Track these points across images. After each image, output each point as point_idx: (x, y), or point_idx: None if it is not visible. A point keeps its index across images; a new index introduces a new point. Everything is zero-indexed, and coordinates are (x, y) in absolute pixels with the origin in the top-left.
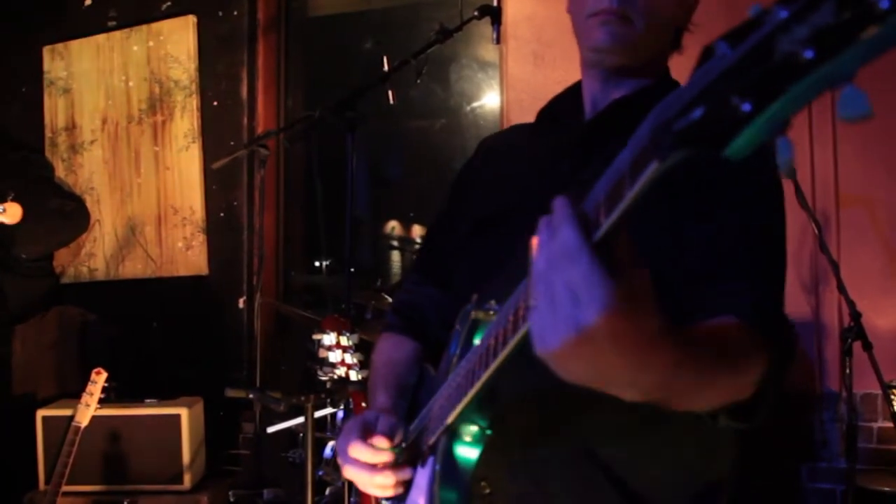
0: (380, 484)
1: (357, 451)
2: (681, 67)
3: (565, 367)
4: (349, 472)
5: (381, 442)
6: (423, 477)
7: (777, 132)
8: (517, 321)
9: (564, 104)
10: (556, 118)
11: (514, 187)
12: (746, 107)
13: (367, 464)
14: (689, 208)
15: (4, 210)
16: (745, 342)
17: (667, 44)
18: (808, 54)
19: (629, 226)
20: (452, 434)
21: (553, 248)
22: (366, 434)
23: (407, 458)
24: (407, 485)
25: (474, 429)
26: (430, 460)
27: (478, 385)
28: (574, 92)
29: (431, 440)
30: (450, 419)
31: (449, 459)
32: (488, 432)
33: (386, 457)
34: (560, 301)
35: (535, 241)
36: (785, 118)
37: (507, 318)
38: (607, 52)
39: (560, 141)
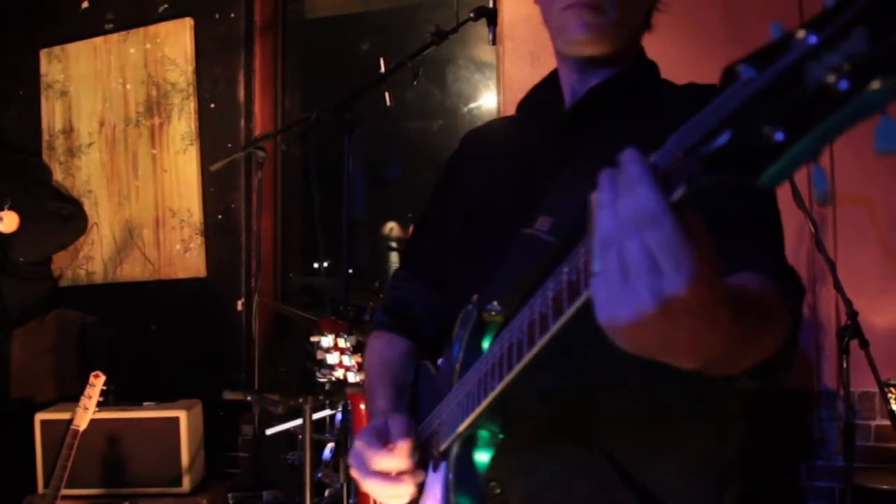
0: (404, 493)
1: (382, 461)
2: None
3: (634, 339)
4: (371, 486)
5: (403, 446)
6: (435, 482)
7: (809, 161)
8: (533, 332)
9: (544, 94)
10: (537, 108)
11: (501, 179)
12: (779, 136)
13: (391, 473)
14: None
15: (1, 219)
16: (775, 299)
17: (639, 26)
18: (843, 85)
19: None
20: (465, 441)
21: (626, 208)
22: (383, 442)
23: (420, 461)
24: (420, 488)
25: (486, 434)
26: (443, 466)
27: (491, 396)
28: (552, 81)
29: (443, 446)
30: (461, 427)
31: (462, 466)
32: (500, 436)
33: (409, 461)
34: (636, 268)
35: (595, 199)
36: (820, 147)
37: (521, 329)
38: (582, 43)
39: (542, 131)
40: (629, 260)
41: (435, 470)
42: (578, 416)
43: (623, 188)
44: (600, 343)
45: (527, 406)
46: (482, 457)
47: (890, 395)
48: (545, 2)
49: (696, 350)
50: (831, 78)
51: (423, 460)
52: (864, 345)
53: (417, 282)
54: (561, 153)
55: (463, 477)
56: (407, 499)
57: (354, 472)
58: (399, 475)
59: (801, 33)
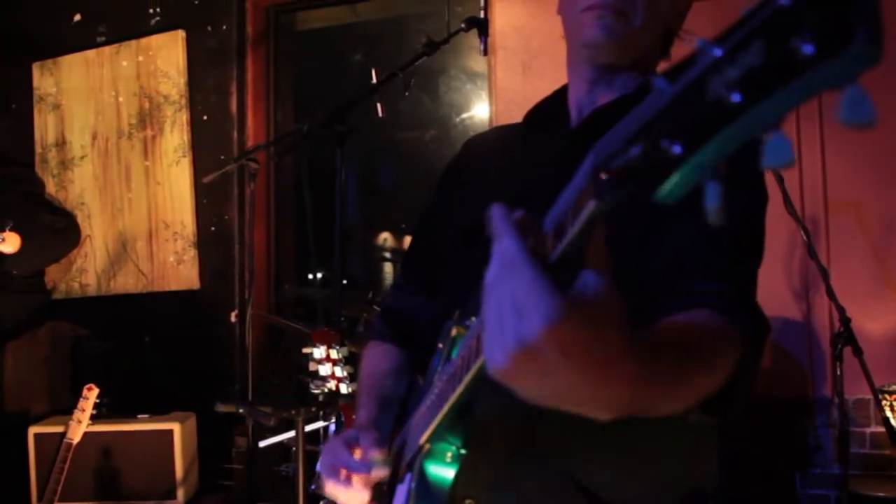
0: (359, 499)
1: (347, 463)
2: None
3: (517, 384)
4: (329, 487)
5: (368, 454)
6: (401, 494)
7: (708, 176)
8: (479, 342)
9: (551, 109)
10: (542, 122)
11: (499, 195)
12: (677, 149)
13: (350, 478)
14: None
15: (4, 239)
16: (717, 337)
17: (658, 45)
18: (736, 98)
19: (603, 236)
20: (428, 453)
21: (496, 259)
22: (349, 450)
23: (389, 472)
24: (385, 499)
25: (449, 448)
26: (408, 478)
27: (447, 406)
28: (560, 96)
29: (409, 457)
30: (423, 439)
31: (424, 478)
32: (463, 451)
33: (367, 468)
34: (506, 315)
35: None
36: (716, 162)
37: (472, 338)
38: (601, 47)
39: (545, 149)
40: (501, 307)
41: (402, 482)
42: (548, 435)
43: (496, 242)
44: None
45: (496, 424)
46: (446, 472)
47: (884, 401)
48: (567, 5)
49: (601, 400)
50: (726, 91)
51: (393, 473)
52: (858, 352)
53: (416, 290)
54: (561, 173)
55: (425, 489)
56: None
57: (322, 475)
58: (358, 481)
59: (708, 46)
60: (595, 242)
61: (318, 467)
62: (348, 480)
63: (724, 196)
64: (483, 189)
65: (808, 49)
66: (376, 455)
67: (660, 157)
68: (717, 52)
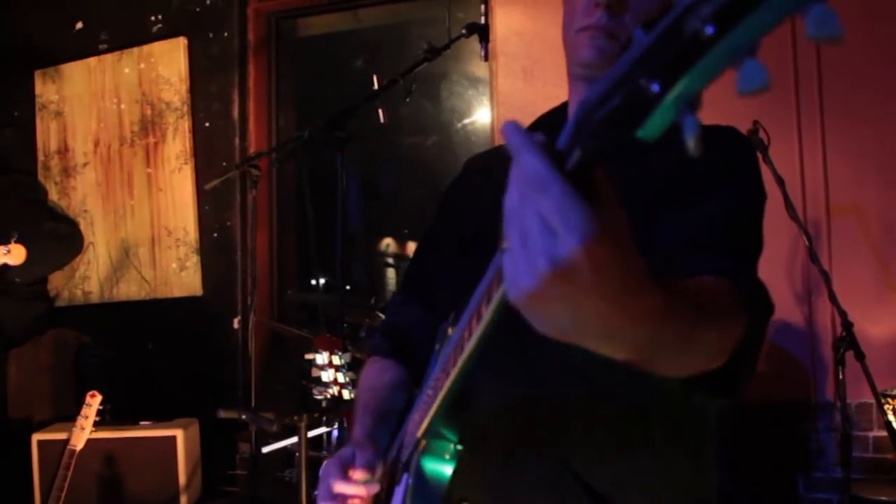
0: None
1: (339, 487)
2: None
3: (542, 311)
4: None
5: (360, 474)
6: (398, 495)
7: (686, 110)
8: (473, 326)
9: (550, 123)
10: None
11: (500, 208)
12: (655, 87)
13: (348, 498)
14: (667, 191)
15: (9, 251)
16: (726, 297)
17: None
18: (709, 30)
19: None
20: (425, 449)
21: (518, 179)
22: (345, 471)
23: (387, 482)
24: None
25: (446, 444)
26: (405, 477)
27: (441, 394)
28: (561, 111)
29: (405, 457)
30: (419, 432)
31: (421, 474)
32: (459, 447)
33: (365, 488)
34: (533, 235)
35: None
36: (693, 95)
37: (463, 326)
38: (594, 67)
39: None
40: (526, 228)
41: (399, 483)
42: (547, 435)
43: (514, 160)
44: (565, 359)
45: (493, 420)
46: (443, 468)
47: (887, 405)
48: (564, 22)
49: (619, 332)
50: (700, 25)
51: (390, 476)
52: (860, 356)
53: (415, 306)
54: None
55: (422, 486)
56: None
57: (320, 495)
58: (353, 501)
59: None
60: (600, 182)
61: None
62: (343, 501)
63: (723, 190)
64: (483, 203)
65: None
66: (364, 476)
67: (639, 98)
68: None
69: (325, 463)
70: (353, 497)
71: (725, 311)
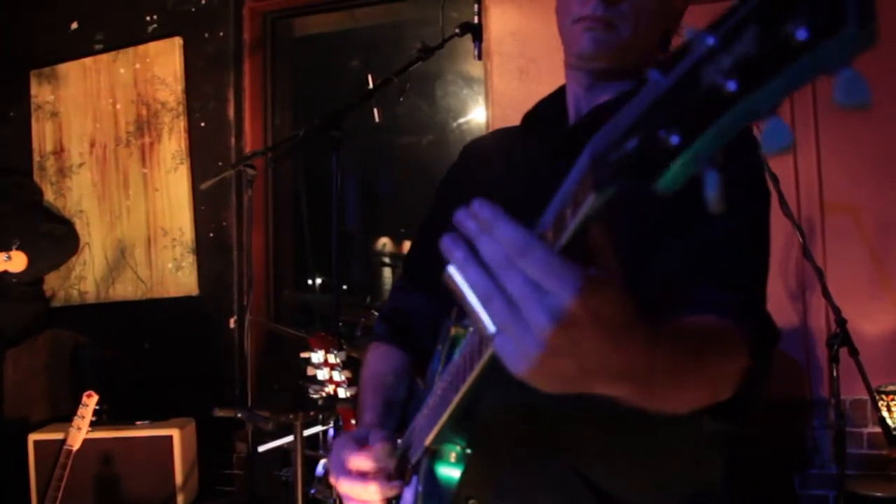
0: (373, 492)
1: (356, 461)
2: None
3: (550, 370)
4: (344, 486)
5: (378, 448)
6: (408, 496)
7: (707, 164)
8: (482, 342)
9: (549, 109)
10: (541, 123)
11: (498, 195)
12: (675, 140)
13: (363, 472)
14: (669, 211)
15: (10, 258)
16: (726, 333)
17: (654, 46)
18: (731, 87)
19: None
20: (433, 454)
21: (490, 253)
22: (360, 446)
23: (396, 473)
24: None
25: (454, 448)
26: (414, 480)
27: (450, 409)
28: (558, 96)
29: (414, 460)
30: (428, 440)
31: (431, 479)
32: (468, 451)
33: (383, 463)
34: (524, 300)
35: (451, 267)
36: (714, 150)
37: (473, 339)
38: (591, 58)
39: (543, 147)
40: (514, 297)
41: (408, 484)
42: (553, 435)
43: (480, 235)
44: None
45: (501, 423)
46: (452, 472)
47: (881, 402)
48: (559, 13)
49: (620, 372)
50: (722, 79)
51: (400, 474)
52: (854, 353)
53: (416, 292)
54: (561, 170)
55: (432, 491)
56: (376, 501)
57: (332, 473)
58: (371, 476)
59: (701, 35)
60: (596, 238)
61: (320, 469)
62: (360, 476)
63: (727, 202)
64: (482, 189)
65: (801, 34)
66: (386, 448)
67: (657, 148)
68: (710, 41)
69: (336, 439)
70: (370, 471)
71: (724, 344)
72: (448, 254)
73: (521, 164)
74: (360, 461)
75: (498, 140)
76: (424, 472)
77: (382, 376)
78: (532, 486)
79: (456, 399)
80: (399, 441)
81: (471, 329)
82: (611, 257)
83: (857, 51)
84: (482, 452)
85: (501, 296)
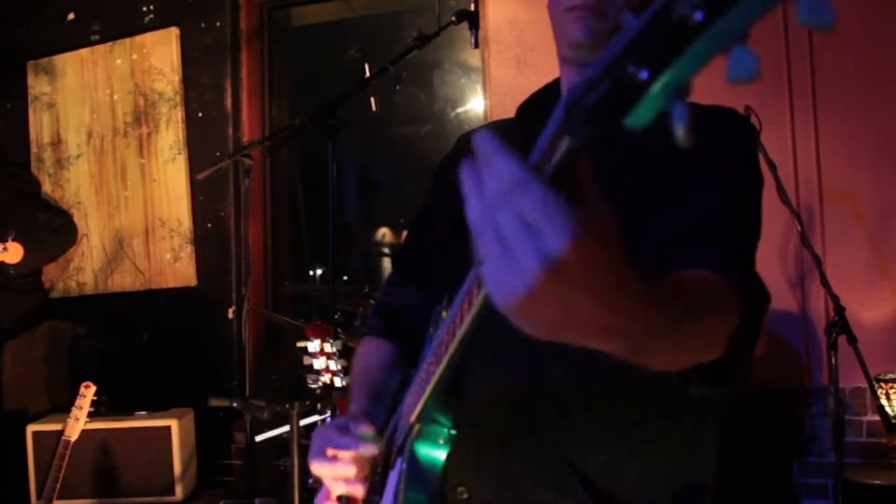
0: (347, 473)
1: (337, 440)
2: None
3: (534, 314)
4: (315, 467)
5: (363, 429)
6: (392, 479)
7: (675, 98)
8: (464, 311)
9: (543, 100)
10: (535, 114)
11: None
12: (643, 74)
13: (335, 454)
14: (663, 174)
15: (6, 249)
16: (717, 289)
17: None
18: (698, 16)
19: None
20: (418, 434)
21: (489, 186)
22: (340, 432)
23: (381, 460)
24: (378, 487)
25: (440, 429)
26: (399, 461)
27: (434, 380)
28: (553, 88)
29: (400, 440)
30: (413, 417)
31: (415, 459)
32: (453, 432)
33: (355, 444)
34: (515, 238)
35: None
36: (682, 83)
37: (455, 311)
38: (583, 47)
39: (536, 137)
40: (506, 235)
41: (393, 467)
42: (543, 422)
43: (482, 168)
44: (560, 345)
45: (489, 407)
46: (437, 453)
47: (880, 390)
48: (551, 4)
49: (609, 325)
50: (689, 11)
51: (385, 460)
52: (852, 340)
53: (409, 286)
54: None
55: (416, 470)
56: (348, 481)
57: (309, 457)
58: (344, 457)
59: None
60: (583, 175)
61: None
62: (334, 458)
63: (721, 175)
64: None
65: None
66: (365, 430)
67: (627, 84)
68: None
69: (316, 428)
70: (347, 458)
71: (716, 303)
72: (462, 182)
73: (515, 153)
74: (338, 440)
75: (492, 131)
76: (409, 452)
77: (372, 369)
78: (520, 470)
79: (439, 368)
80: (385, 431)
81: (455, 302)
82: (602, 202)
83: None
84: (469, 435)
85: (493, 230)
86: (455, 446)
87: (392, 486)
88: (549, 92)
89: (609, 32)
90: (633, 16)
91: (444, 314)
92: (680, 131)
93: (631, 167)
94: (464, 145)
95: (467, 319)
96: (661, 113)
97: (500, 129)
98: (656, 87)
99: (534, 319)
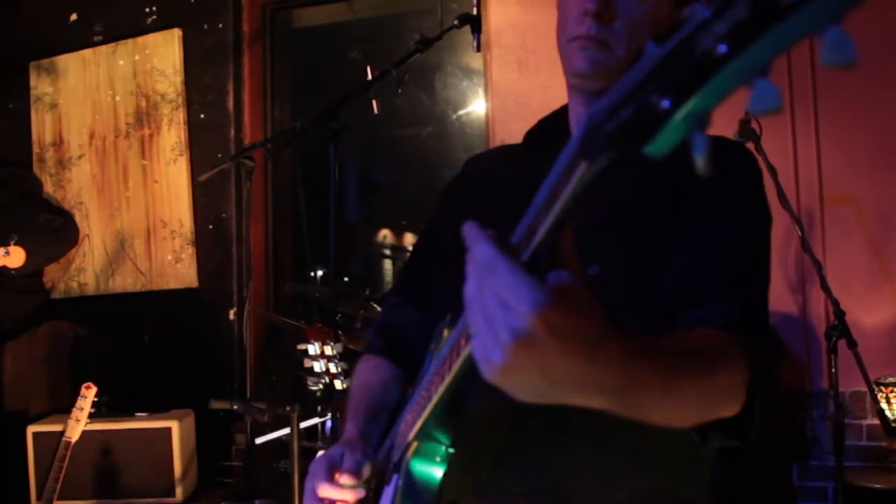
0: None
1: (324, 491)
2: None
3: (517, 381)
4: None
5: (346, 479)
6: (387, 496)
7: (696, 128)
8: (461, 344)
9: (551, 126)
10: (543, 140)
11: (499, 211)
12: (665, 104)
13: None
14: (672, 208)
15: (8, 253)
16: (720, 343)
17: None
18: (722, 49)
19: (578, 243)
20: (416, 451)
21: (472, 268)
22: (331, 474)
23: (377, 482)
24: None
25: (437, 447)
26: (395, 478)
27: (435, 398)
28: (561, 114)
29: (396, 458)
30: (411, 436)
31: (411, 477)
32: (451, 451)
33: (350, 494)
34: (494, 314)
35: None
36: (703, 114)
37: (459, 333)
38: (587, 77)
39: (545, 164)
40: (487, 309)
41: (389, 484)
42: (535, 440)
43: (469, 253)
44: None
45: (486, 425)
46: (433, 470)
47: (880, 394)
48: (558, 32)
49: (595, 383)
50: (713, 44)
51: (380, 480)
52: (852, 344)
53: (410, 307)
54: None
55: (412, 487)
56: None
57: (304, 497)
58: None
59: (697, 7)
60: (565, 246)
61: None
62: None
63: (728, 217)
64: (483, 204)
65: None
66: (349, 481)
67: (648, 112)
68: (705, 13)
69: (314, 459)
70: (338, 501)
71: (716, 354)
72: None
73: (521, 179)
74: (330, 491)
75: (499, 155)
76: (405, 469)
77: (370, 388)
78: (513, 488)
79: (442, 388)
80: (383, 447)
81: (455, 328)
82: (578, 265)
83: (842, 9)
84: (465, 452)
85: (481, 305)
86: (451, 463)
87: (387, 502)
88: (556, 119)
89: (614, 61)
90: (654, 45)
91: (445, 332)
92: (700, 161)
93: (644, 196)
94: (470, 169)
95: (465, 352)
96: (682, 142)
97: (508, 155)
98: (678, 116)
99: (518, 386)
